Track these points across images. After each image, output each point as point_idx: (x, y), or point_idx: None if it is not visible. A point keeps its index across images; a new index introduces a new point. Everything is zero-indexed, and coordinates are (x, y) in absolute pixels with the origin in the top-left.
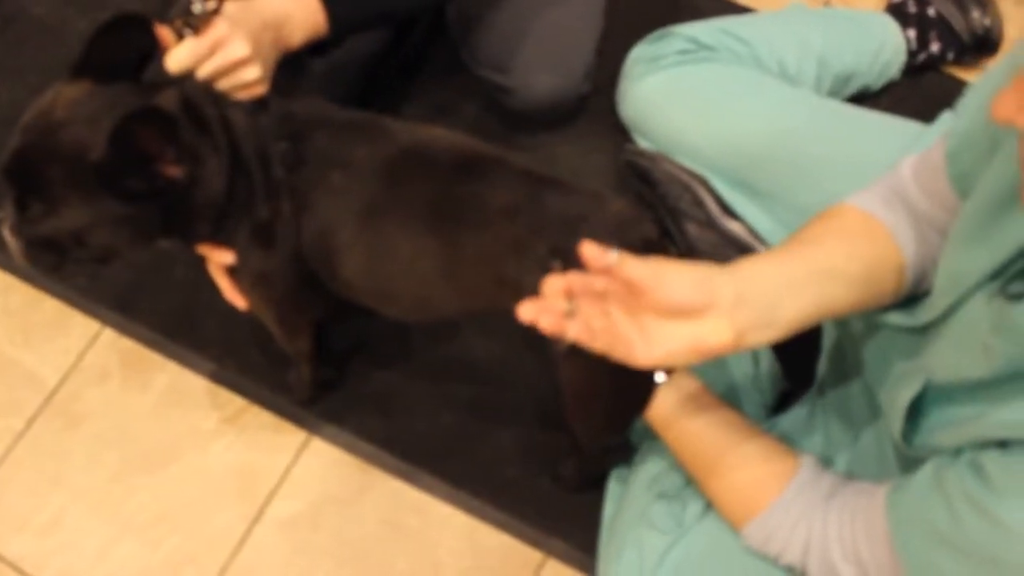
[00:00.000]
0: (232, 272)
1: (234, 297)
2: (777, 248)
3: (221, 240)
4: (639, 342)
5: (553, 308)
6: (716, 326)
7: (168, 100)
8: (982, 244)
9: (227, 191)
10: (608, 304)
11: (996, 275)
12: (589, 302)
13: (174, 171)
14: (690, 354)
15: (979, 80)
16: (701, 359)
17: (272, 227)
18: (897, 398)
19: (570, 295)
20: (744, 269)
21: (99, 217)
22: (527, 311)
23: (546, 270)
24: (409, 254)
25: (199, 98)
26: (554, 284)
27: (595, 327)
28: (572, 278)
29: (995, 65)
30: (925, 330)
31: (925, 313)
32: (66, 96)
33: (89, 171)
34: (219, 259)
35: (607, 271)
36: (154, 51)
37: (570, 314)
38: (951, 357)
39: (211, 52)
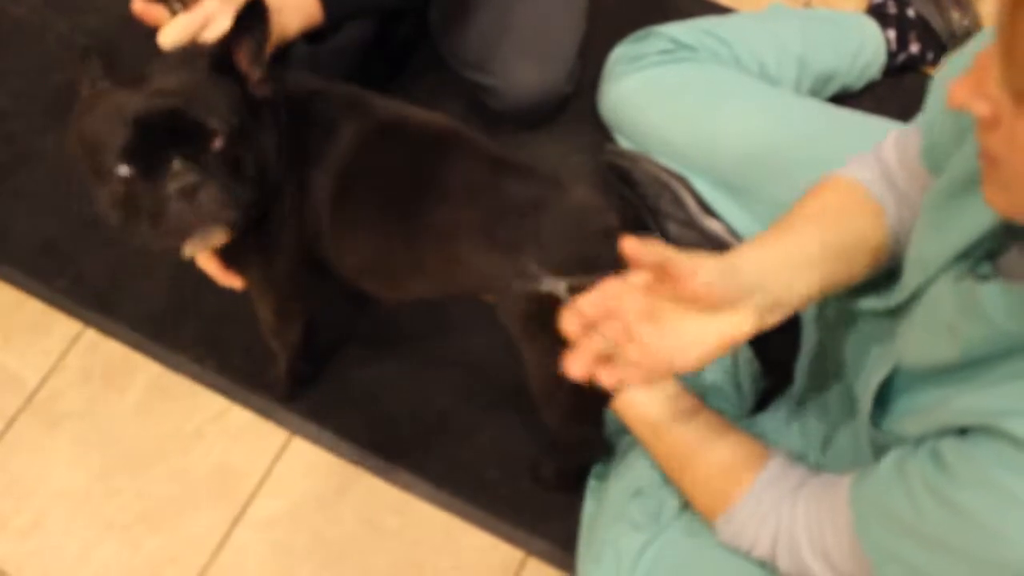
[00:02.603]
0: (236, 254)
1: (227, 279)
2: (782, 228)
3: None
4: (675, 354)
5: (588, 352)
6: (742, 316)
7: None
8: (948, 226)
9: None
10: (624, 322)
11: (963, 257)
12: (609, 327)
13: (263, 89)
14: (722, 349)
15: (942, 70)
16: (730, 351)
17: (283, 202)
18: (868, 382)
19: (587, 323)
20: (756, 253)
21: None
22: (575, 368)
23: (530, 278)
24: (373, 226)
25: None
26: (570, 322)
27: (632, 358)
28: (584, 305)
29: (956, 55)
30: (898, 313)
31: (896, 295)
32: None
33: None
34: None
35: (643, 262)
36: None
37: (608, 359)
38: (918, 339)
39: (203, 27)
